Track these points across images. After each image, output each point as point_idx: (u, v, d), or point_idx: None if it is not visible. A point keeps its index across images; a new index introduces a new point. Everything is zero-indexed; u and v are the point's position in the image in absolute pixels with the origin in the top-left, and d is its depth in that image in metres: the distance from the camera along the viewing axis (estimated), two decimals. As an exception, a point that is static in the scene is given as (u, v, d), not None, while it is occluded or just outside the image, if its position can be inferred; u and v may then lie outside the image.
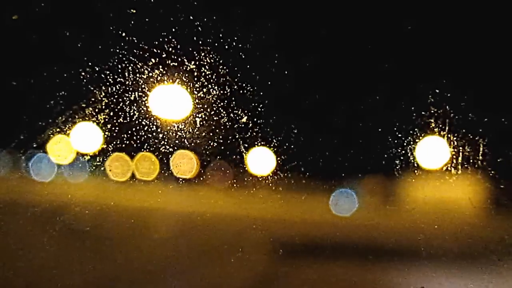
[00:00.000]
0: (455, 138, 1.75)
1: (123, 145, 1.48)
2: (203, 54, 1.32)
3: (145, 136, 1.45)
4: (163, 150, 1.49)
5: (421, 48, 1.52)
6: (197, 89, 1.38)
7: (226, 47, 1.34)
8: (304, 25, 1.47)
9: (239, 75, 1.39)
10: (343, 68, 1.60)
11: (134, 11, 1.18)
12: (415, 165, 1.85)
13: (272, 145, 1.58)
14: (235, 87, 1.39)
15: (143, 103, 1.41)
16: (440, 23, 1.49)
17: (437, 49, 1.60)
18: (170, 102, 1.45)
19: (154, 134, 1.45)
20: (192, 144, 1.49)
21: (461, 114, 1.59)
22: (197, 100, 1.41)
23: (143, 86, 1.34)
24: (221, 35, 1.32)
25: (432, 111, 1.58)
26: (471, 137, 1.75)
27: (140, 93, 1.37)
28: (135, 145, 1.46)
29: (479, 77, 1.61)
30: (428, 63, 1.53)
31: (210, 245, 1.80)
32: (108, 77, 1.30)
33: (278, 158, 1.63)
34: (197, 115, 1.43)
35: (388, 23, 1.50)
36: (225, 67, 1.35)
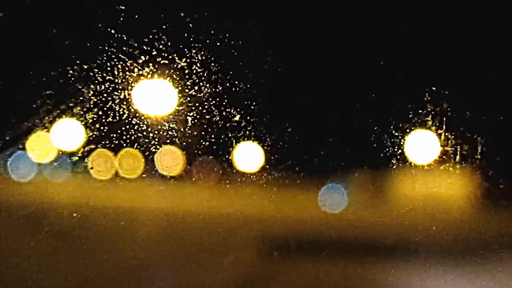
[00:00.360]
0: (447, 134, 1.78)
1: (109, 143, 1.45)
2: (194, 51, 1.30)
3: (135, 134, 1.41)
4: (152, 148, 1.46)
5: (416, 45, 1.54)
6: (188, 86, 1.35)
7: (218, 44, 1.31)
8: (297, 22, 1.46)
9: (230, 72, 1.37)
10: (335, 65, 1.60)
11: (123, 7, 1.14)
12: (408, 161, 1.88)
13: (262, 142, 1.57)
14: (227, 84, 1.37)
15: (131, 100, 1.37)
16: (436, 21, 1.51)
17: (432, 46, 1.62)
18: (160, 99, 1.42)
19: (143, 131, 1.42)
20: (182, 141, 1.47)
21: (455, 111, 1.62)
22: (187, 98, 1.38)
23: (131, 83, 1.30)
24: (212, 32, 1.30)
25: (427, 108, 1.60)
26: (463, 133, 1.79)
27: (128, 90, 1.33)
28: (122, 142, 1.42)
29: (473, 75, 1.65)
30: (423, 60, 1.54)
31: (198, 244, 1.79)
32: (96, 74, 1.26)
33: (269, 155, 1.62)
34: (188, 112, 1.41)
35: (383, 20, 1.51)
36: (216, 64, 1.33)
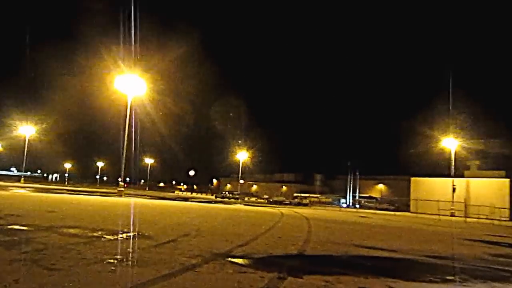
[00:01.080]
0: (461, 143, 1.69)
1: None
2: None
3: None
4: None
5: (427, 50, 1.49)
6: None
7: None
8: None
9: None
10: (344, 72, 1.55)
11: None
12: (423, 170, 1.80)
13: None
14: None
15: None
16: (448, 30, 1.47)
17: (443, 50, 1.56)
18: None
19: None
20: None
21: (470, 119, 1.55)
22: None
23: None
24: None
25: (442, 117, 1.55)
26: (480, 141, 1.70)
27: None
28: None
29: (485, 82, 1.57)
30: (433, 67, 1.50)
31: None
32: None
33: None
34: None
35: (391, 31, 1.48)
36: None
